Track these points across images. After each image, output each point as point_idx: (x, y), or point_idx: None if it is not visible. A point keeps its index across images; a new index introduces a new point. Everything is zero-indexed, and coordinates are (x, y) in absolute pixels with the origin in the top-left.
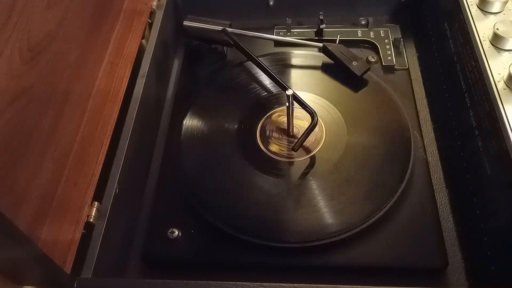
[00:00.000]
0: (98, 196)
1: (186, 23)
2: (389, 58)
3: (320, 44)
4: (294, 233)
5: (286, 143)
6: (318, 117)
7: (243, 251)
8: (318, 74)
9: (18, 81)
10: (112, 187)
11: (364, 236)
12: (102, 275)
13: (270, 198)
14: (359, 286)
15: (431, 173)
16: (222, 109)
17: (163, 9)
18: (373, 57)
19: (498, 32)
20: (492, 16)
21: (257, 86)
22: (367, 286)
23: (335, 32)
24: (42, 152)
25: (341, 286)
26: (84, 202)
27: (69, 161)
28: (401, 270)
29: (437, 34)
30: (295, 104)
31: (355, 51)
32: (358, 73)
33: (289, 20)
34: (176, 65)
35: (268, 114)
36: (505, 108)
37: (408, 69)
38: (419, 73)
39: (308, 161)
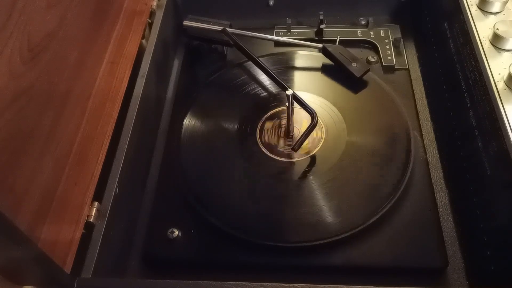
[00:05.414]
0: (98, 196)
1: (186, 23)
2: (389, 58)
3: (320, 45)
4: (294, 233)
5: (286, 143)
6: (318, 117)
7: (243, 251)
8: (318, 74)
9: (18, 81)
10: (112, 187)
11: (364, 236)
12: (102, 275)
13: (270, 198)
14: (359, 286)
15: (431, 173)
16: (222, 109)
17: (163, 9)
18: (373, 57)
19: (498, 32)
20: (492, 16)
21: (257, 86)
22: (367, 286)
23: (335, 32)
24: (42, 152)
25: (341, 286)
26: (84, 202)
27: (69, 161)
28: (401, 270)
29: (437, 34)
30: (295, 104)
31: (355, 51)
32: (358, 74)
33: (289, 20)
34: (176, 65)
35: (268, 114)
36: (505, 108)
37: (408, 69)
38: (419, 73)
39: (308, 161)
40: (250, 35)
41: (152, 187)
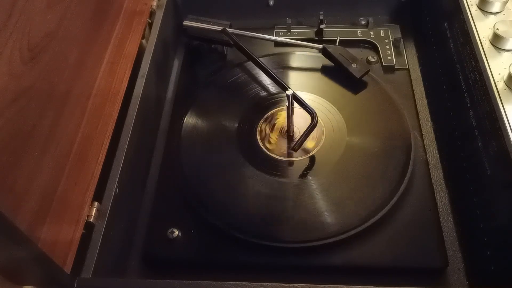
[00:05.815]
0: (98, 196)
1: (186, 23)
2: (389, 58)
3: (320, 46)
4: (294, 233)
5: (286, 143)
6: (318, 117)
7: (243, 251)
8: (318, 74)
9: (18, 81)
10: (112, 187)
11: (364, 236)
12: (102, 275)
13: (270, 198)
14: (359, 286)
15: (431, 173)
16: (222, 109)
17: (163, 9)
18: (373, 57)
19: (498, 32)
20: (492, 16)
21: (257, 86)
22: (367, 286)
23: (335, 32)
24: (42, 152)
25: (341, 286)
26: (84, 202)
27: (69, 161)
28: (401, 270)
29: (437, 34)
30: (295, 104)
31: (355, 51)
32: (358, 75)
33: (289, 20)
34: (176, 65)
35: (268, 114)
36: (505, 108)
37: (408, 69)
38: (419, 73)
39: (308, 161)
40: (250, 35)
41: (152, 187)
